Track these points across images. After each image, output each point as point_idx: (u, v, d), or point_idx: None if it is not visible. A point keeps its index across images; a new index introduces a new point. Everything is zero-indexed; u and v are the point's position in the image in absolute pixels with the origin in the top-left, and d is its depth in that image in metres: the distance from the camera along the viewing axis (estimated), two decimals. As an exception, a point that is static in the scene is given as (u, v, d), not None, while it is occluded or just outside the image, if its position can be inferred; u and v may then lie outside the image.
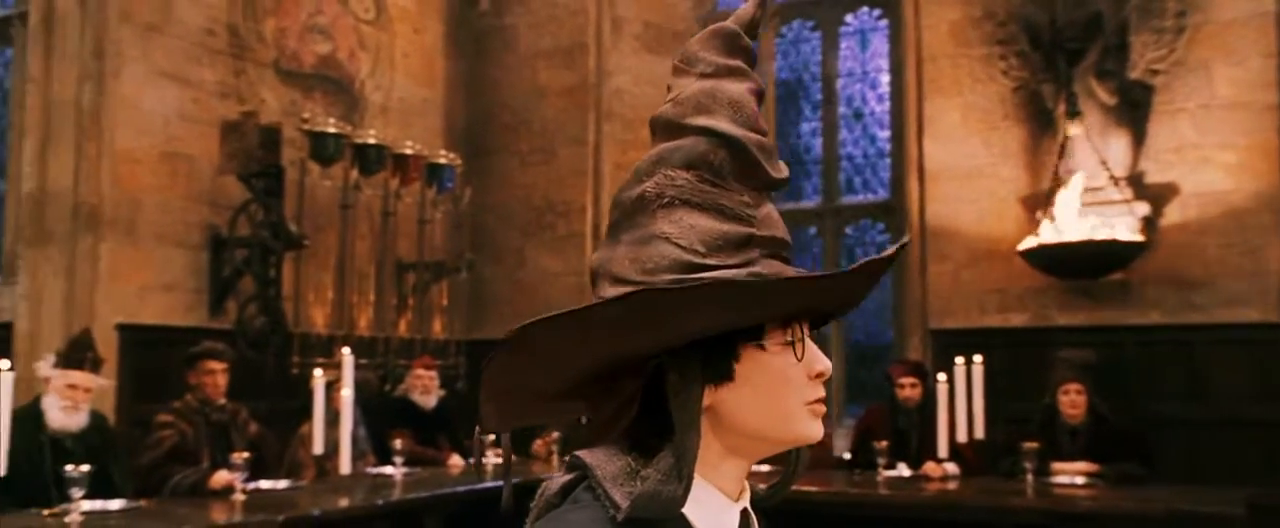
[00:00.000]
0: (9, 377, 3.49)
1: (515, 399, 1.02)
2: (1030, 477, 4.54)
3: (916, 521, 4.47)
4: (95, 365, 4.15)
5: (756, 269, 0.94)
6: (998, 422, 5.14)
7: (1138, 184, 5.73)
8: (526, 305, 6.87)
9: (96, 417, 4.26)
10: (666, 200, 0.96)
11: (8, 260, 5.81)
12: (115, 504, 3.90)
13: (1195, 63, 5.67)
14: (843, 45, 7.49)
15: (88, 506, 3.71)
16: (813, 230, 7.38)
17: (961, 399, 4.75)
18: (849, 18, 7.43)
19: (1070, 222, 5.60)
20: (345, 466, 4.69)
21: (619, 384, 1.01)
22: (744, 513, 1.05)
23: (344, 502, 4.33)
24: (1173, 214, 5.66)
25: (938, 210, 6.28)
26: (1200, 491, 4.46)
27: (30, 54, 5.52)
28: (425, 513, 4.50)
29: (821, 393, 1.01)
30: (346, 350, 4.68)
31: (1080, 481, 4.58)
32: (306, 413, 4.79)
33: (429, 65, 7.36)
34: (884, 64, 7.29)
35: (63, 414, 4.03)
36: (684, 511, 0.97)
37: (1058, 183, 5.75)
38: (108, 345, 5.21)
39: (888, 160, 7.14)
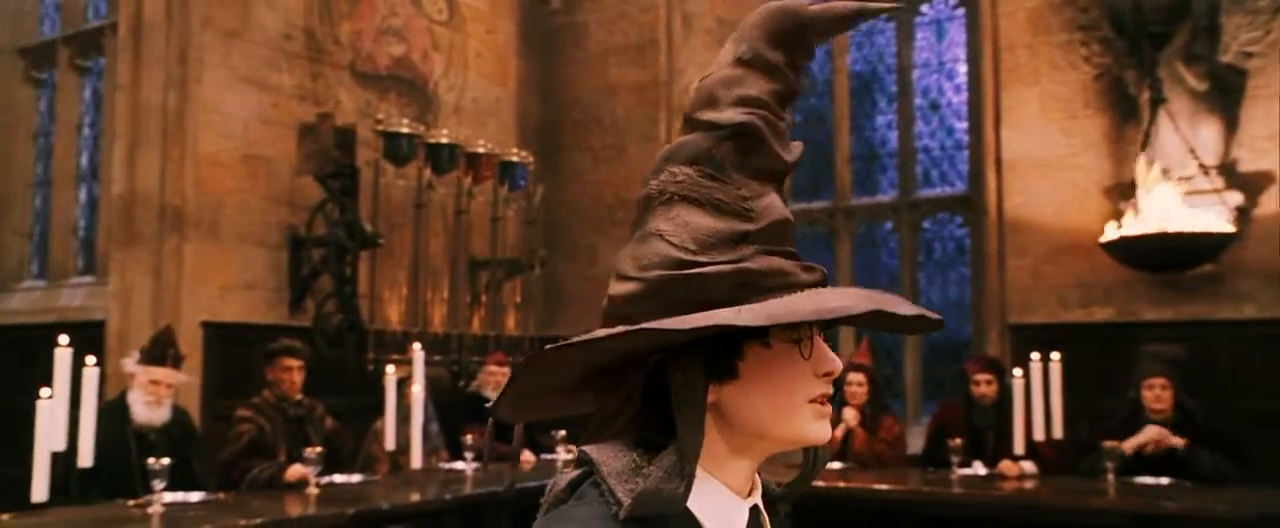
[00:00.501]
0: (94, 373, 3.62)
1: (525, 399, 1.03)
2: (1112, 477, 4.39)
3: (992, 520, 4.35)
4: (177, 362, 4.29)
5: (747, 266, 0.93)
6: (1081, 420, 4.99)
7: (1229, 173, 5.50)
8: (599, 301, 6.87)
9: (178, 411, 4.41)
10: (667, 197, 0.96)
11: (100, 261, 6.03)
12: (195, 496, 4.02)
13: (1292, 45, 5.42)
14: (918, 36, 7.34)
15: (169, 497, 3.83)
16: (888, 225, 7.26)
17: (1038, 396, 4.62)
18: (924, 8, 7.29)
19: (1156, 212, 5.39)
20: (417, 460, 4.77)
21: (623, 379, 1.01)
22: (754, 510, 1.03)
23: (415, 496, 4.40)
24: (1268, 203, 5.42)
25: (1016, 202, 6.12)
26: (1295, 493, 4.26)
27: (119, 62, 5.72)
28: (495, 509, 4.54)
29: (827, 390, 1.00)
30: (417, 347, 4.75)
31: (1166, 481, 4.41)
32: (381, 409, 4.88)
33: (501, 64, 7.43)
34: (961, 54, 7.13)
35: (146, 409, 4.17)
36: (691, 507, 0.97)
37: (1142, 173, 5.54)
38: (192, 343, 5.39)
39: (965, 152, 6.98)
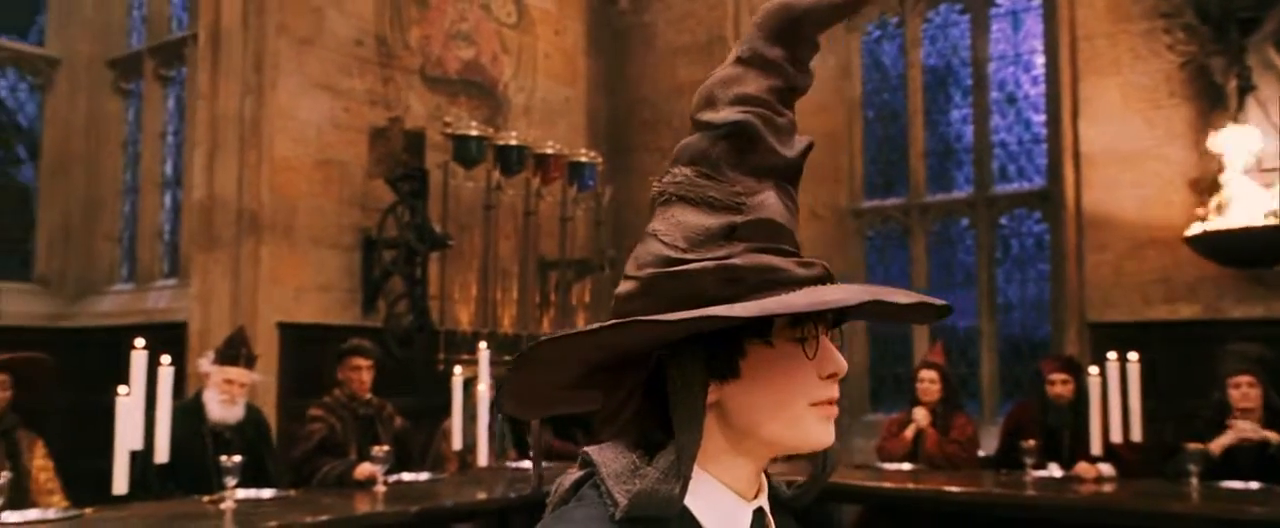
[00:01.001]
0: (168, 372, 3.73)
1: (530, 395, 1.04)
2: (1195, 480, 4.22)
3: (1067, 524, 4.24)
4: (249, 361, 4.40)
5: (732, 262, 0.92)
6: (1164, 421, 4.81)
7: (1323, 163, 5.25)
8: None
9: (252, 410, 4.52)
10: (665, 198, 0.97)
11: (183, 264, 6.23)
12: (267, 493, 4.12)
13: (1389, 28, 5.15)
14: (994, 28, 7.16)
15: (242, 494, 3.94)
16: (964, 222, 7.10)
17: (1115, 396, 4.46)
18: (1000, -1, 7.12)
19: (1244, 206, 5.17)
20: (483, 459, 4.81)
21: (625, 376, 1.00)
22: (759, 513, 1.01)
23: (481, 495, 4.44)
24: (1365, 195, 5.16)
25: (1096, 197, 5.93)
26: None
27: (199, 71, 5.90)
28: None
29: (832, 393, 0.98)
30: (483, 346, 4.79)
31: (1255, 486, 4.23)
32: (450, 408, 4.93)
33: (570, 65, 7.47)
34: (1038, 45, 6.94)
35: (221, 407, 4.29)
36: (692, 509, 0.97)
37: (1228, 164, 5.33)
38: (268, 343, 5.53)
39: (1043, 146, 6.79)
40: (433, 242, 5.79)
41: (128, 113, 6.91)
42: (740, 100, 0.98)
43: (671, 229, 0.95)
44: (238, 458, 3.83)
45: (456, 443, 4.77)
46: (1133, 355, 4.53)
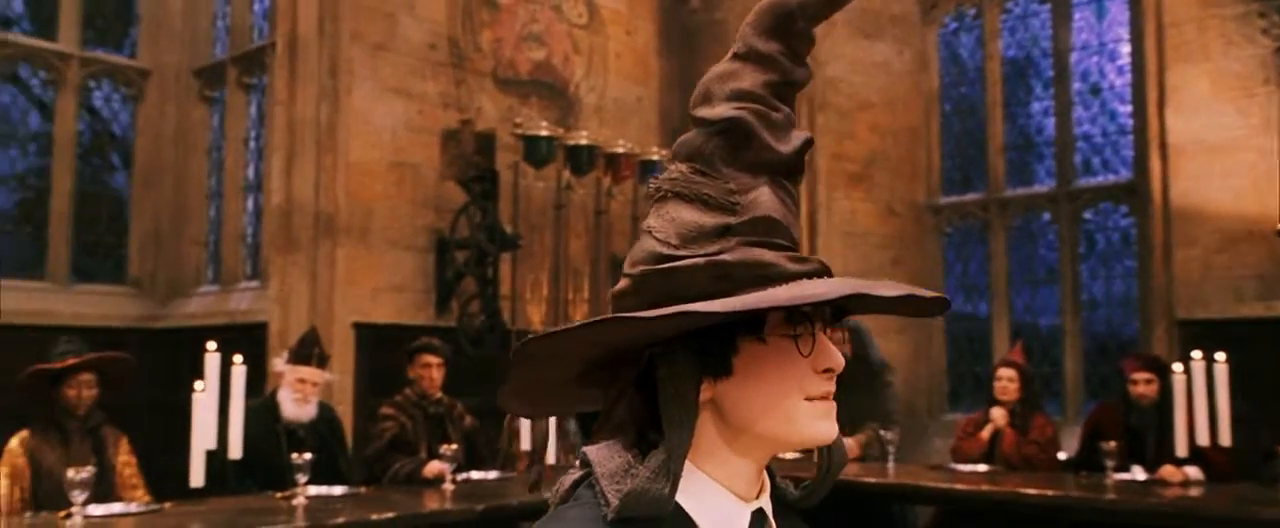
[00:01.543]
0: (241, 371, 3.84)
1: (531, 392, 1.04)
2: (1290, 485, 4.03)
3: (1149, 529, 4.08)
4: (322, 361, 4.50)
5: (722, 258, 0.92)
6: (1259, 424, 4.60)
7: None
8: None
9: (325, 408, 4.62)
10: (661, 195, 0.98)
11: (264, 267, 6.40)
12: (338, 490, 4.21)
13: None
14: (1076, 16, 6.95)
15: (314, 490, 4.03)
16: (1047, 217, 6.90)
17: (1201, 397, 4.28)
18: (1083, -14, 6.90)
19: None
20: (551, 457, 4.82)
21: (620, 374, 1.00)
22: (759, 514, 0.99)
23: (546, 494, 4.44)
24: None
25: (1184, 189, 5.70)
26: None
27: (276, 77, 6.06)
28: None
29: (826, 387, 0.96)
30: (550, 346, 4.81)
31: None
32: (519, 407, 4.96)
33: (642, 64, 7.47)
34: (1124, 33, 6.71)
35: (294, 406, 4.40)
36: (688, 509, 0.96)
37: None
38: (345, 343, 5.65)
39: (1129, 138, 6.56)
40: (503, 242, 5.85)
41: (213, 120, 7.12)
42: (736, 96, 0.97)
43: (665, 226, 0.95)
44: (308, 456, 3.92)
45: (526, 442, 4.79)
46: (1220, 355, 4.34)
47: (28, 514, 3.78)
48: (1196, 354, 4.32)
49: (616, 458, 0.96)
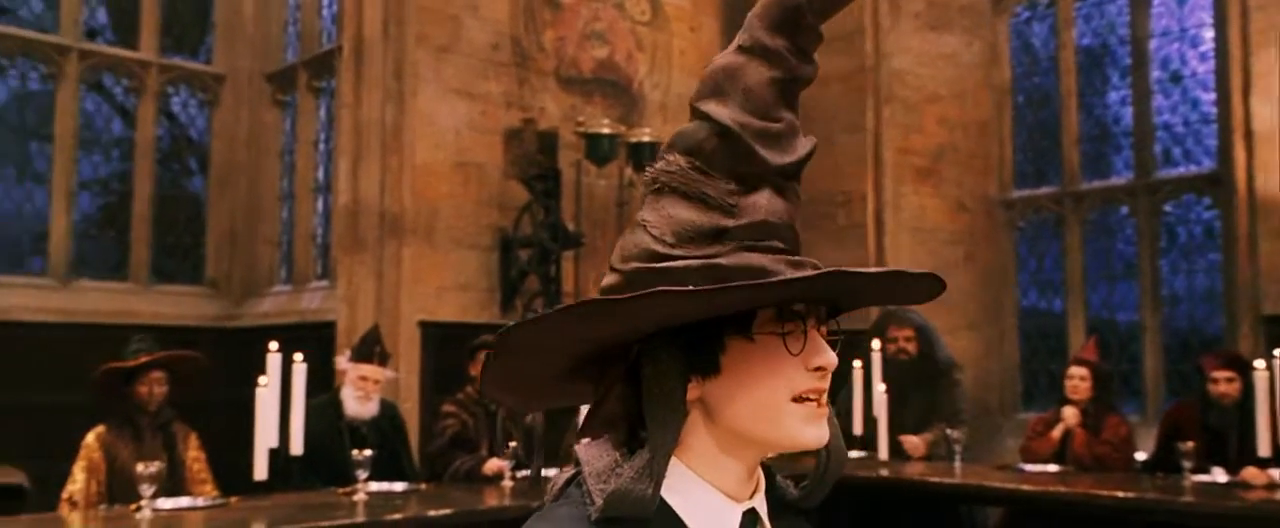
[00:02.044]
0: (302, 369, 3.91)
1: (523, 385, 1.03)
2: (1383, 489, 3.83)
3: (1229, 534, 3.91)
4: (383, 359, 4.56)
5: (717, 261, 0.90)
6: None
7: None
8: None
9: (387, 405, 4.68)
10: (658, 187, 0.96)
11: (333, 266, 6.53)
12: (399, 486, 4.26)
13: None
14: (1155, 2, 6.71)
15: (375, 486, 4.08)
16: (1124, 210, 6.68)
17: (1284, 396, 4.10)
18: (1163, -29, 6.66)
19: None
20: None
21: (608, 369, 0.99)
22: (751, 514, 0.97)
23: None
24: None
25: (1271, 179, 5.46)
26: None
27: (343, 81, 6.17)
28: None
29: (818, 385, 0.93)
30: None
31: None
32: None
33: (706, 61, 7.30)
34: (1207, 17, 6.46)
35: (356, 403, 4.47)
36: (676, 509, 0.95)
37: None
38: (411, 342, 5.72)
39: (1213, 127, 6.31)
40: (566, 240, 5.86)
41: (284, 123, 7.29)
42: (745, 95, 0.95)
43: (661, 222, 0.93)
44: (368, 452, 3.98)
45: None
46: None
47: (102, 507, 3.90)
48: (1279, 351, 4.13)
49: (605, 457, 0.95)
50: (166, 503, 3.73)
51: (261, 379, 3.74)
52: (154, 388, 4.13)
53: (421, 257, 5.85)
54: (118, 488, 3.98)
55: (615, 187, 6.35)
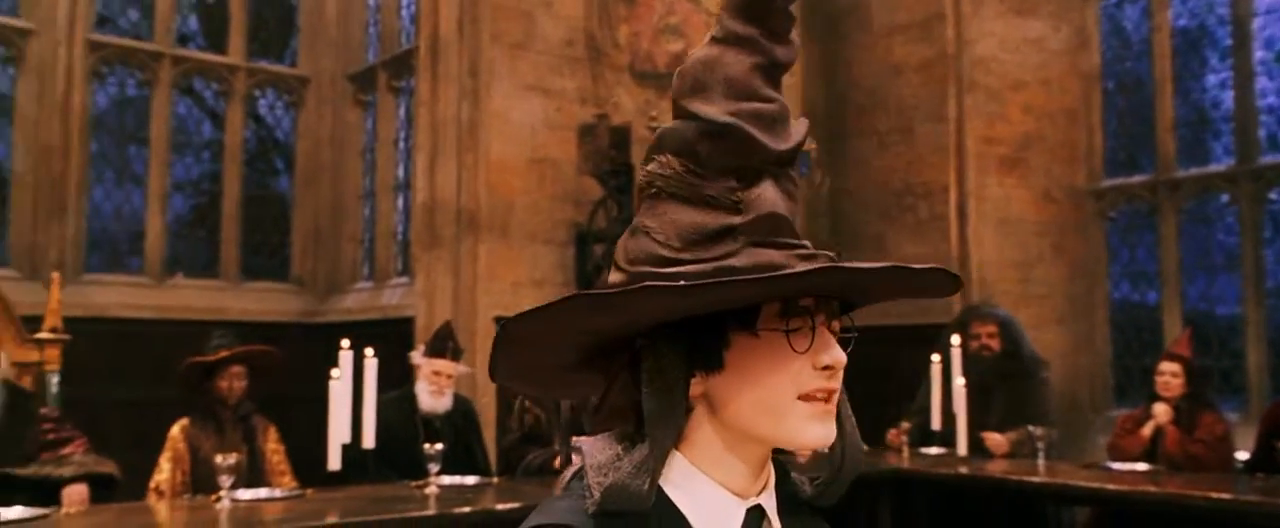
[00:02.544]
0: (373, 364, 3.97)
1: (537, 375, 1.03)
2: None
3: (1333, 538, 3.70)
4: (456, 354, 4.60)
5: (729, 263, 0.87)
6: None
7: None
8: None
9: (461, 400, 4.73)
10: (654, 191, 0.94)
11: (411, 263, 6.63)
12: (470, 480, 4.29)
13: None
14: (1260, -22, 6.40)
15: (447, 480, 4.12)
16: (1224, 198, 6.37)
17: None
18: (1265, -54, 6.34)
19: None
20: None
21: (613, 362, 0.97)
22: (756, 511, 0.94)
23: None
24: None
25: (1382, 164, 5.17)
26: None
27: (420, 79, 6.25)
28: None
29: (823, 384, 0.90)
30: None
31: None
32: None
33: (782, 53, 7.32)
34: (1315, -6, 6.13)
35: (430, 398, 4.52)
36: (678, 504, 0.94)
37: None
38: (487, 337, 5.74)
39: (1321, 109, 6.00)
40: (638, 236, 5.84)
41: (366, 123, 7.43)
42: (728, 84, 0.92)
43: (665, 228, 0.91)
44: (440, 446, 4.01)
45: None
46: None
47: (186, 497, 4.02)
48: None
49: (608, 450, 0.94)
50: (245, 494, 3.82)
51: (334, 373, 3.80)
52: (233, 382, 4.24)
53: (497, 252, 5.90)
54: (201, 479, 4.10)
55: (690, 181, 6.31)
